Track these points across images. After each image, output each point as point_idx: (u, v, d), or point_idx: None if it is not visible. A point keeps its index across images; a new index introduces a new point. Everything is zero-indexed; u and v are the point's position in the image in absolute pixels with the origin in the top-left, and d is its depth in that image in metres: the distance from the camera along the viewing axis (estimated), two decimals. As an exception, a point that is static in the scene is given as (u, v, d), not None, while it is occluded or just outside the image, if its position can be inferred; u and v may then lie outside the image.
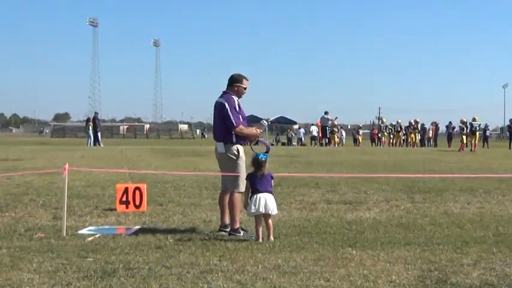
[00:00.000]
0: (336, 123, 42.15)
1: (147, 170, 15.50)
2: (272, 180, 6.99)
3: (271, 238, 6.79)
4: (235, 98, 7.23)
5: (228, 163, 7.23)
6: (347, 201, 10.32)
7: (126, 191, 9.16)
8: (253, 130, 7.31)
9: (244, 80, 7.30)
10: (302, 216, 8.66)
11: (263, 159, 6.87)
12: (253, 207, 6.74)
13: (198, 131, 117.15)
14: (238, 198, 7.19)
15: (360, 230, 7.60)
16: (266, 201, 6.76)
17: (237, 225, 7.16)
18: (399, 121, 42.89)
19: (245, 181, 7.06)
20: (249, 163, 7.03)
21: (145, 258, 5.79)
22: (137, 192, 9.17)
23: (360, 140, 45.27)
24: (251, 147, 7.32)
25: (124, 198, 9.13)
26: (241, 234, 7.06)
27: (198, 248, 6.33)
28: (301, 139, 47.48)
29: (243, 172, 7.18)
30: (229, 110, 7.10)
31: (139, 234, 7.12)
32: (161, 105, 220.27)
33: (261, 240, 6.71)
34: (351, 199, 10.55)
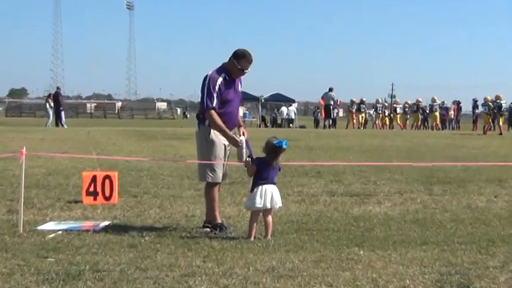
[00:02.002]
0: (338, 102, 42.22)
1: (118, 156, 15.47)
2: (278, 172, 7.00)
3: (269, 237, 6.81)
4: (222, 76, 7.12)
5: (200, 145, 7.25)
6: (353, 193, 10.36)
7: (93, 180, 9.15)
8: (227, 131, 7.11)
9: (243, 60, 7.12)
10: (301, 211, 8.68)
11: (284, 147, 6.83)
12: (258, 200, 6.71)
13: (179, 110, 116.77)
14: (211, 189, 7.21)
15: (368, 226, 7.63)
16: (273, 195, 6.78)
17: (216, 221, 7.20)
18: (420, 99, 43.00)
19: (218, 170, 7.10)
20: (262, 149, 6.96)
21: (117, 259, 5.79)
22: (107, 181, 9.15)
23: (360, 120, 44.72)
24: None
25: (91, 189, 9.12)
26: (218, 231, 7.06)
27: (178, 247, 6.33)
28: (290, 120, 47.54)
29: (216, 158, 7.15)
30: (206, 86, 7.02)
31: (110, 231, 7.12)
32: (135, 79, 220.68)
33: (252, 238, 6.73)
34: (358, 191, 10.59)
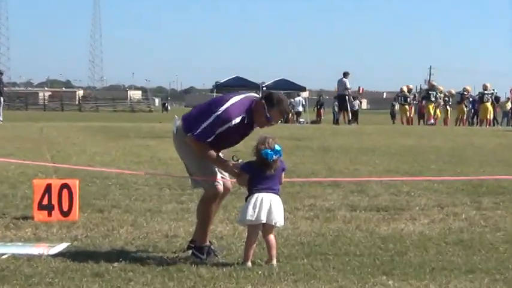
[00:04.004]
0: (361, 91, 42.02)
1: (79, 160, 15.45)
2: (283, 174, 6.96)
3: (274, 262, 6.79)
4: (241, 118, 6.98)
5: (184, 151, 7.25)
6: (380, 207, 10.37)
7: (48, 190, 9.13)
8: (221, 162, 7.10)
9: (276, 111, 7.02)
10: (313, 230, 8.68)
11: (273, 159, 6.74)
12: (250, 211, 6.68)
13: (157, 100, 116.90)
14: (209, 202, 7.21)
15: (399, 250, 7.64)
16: (271, 207, 6.73)
17: (204, 243, 7.20)
18: (468, 88, 42.40)
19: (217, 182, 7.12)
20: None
21: (78, 291, 5.79)
22: (65, 192, 9.14)
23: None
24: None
25: (45, 201, 9.10)
26: (204, 257, 7.06)
27: (156, 276, 6.33)
28: (300, 112, 47.50)
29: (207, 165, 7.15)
30: (212, 117, 6.93)
31: (68, 256, 7.10)
32: (101, 62, 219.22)
33: (250, 264, 6.72)
34: (386, 204, 10.60)
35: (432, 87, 42.01)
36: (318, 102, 51.26)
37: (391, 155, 18.40)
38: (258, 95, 7.36)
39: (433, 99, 40.67)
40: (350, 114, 37.81)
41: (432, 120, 40.24)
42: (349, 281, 6.23)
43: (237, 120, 6.97)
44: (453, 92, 43.81)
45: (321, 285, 6.09)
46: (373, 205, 10.50)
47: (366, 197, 11.16)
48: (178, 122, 7.28)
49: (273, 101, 7.02)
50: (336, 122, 38.22)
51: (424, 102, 41.74)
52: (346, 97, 37.44)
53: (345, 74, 37.46)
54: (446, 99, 42.35)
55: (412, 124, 41.05)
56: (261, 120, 7.10)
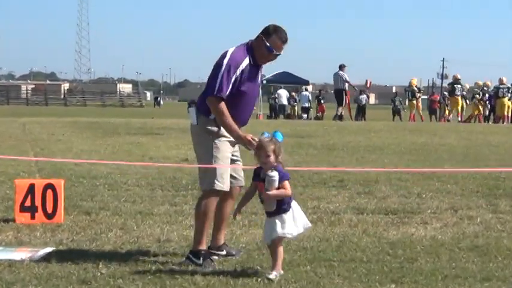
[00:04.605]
0: (368, 85, 41.89)
1: (65, 158, 15.45)
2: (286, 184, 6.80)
3: (276, 272, 6.74)
4: (247, 59, 7.23)
5: (201, 142, 7.35)
6: (389, 209, 10.38)
7: (31, 190, 9.13)
8: (237, 129, 7.17)
9: (274, 37, 7.28)
10: (317, 234, 8.68)
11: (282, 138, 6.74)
12: (293, 225, 6.68)
13: (148, 94, 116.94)
14: (210, 202, 7.25)
15: (409, 256, 7.64)
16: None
17: (200, 246, 7.23)
18: (487, 83, 42.08)
19: (226, 175, 7.14)
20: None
21: (63, 300, 5.79)
22: (49, 192, 9.14)
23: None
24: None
25: (28, 203, 9.10)
26: (200, 262, 7.09)
27: (147, 284, 6.34)
28: (307, 108, 47.48)
29: (222, 159, 7.23)
30: (223, 67, 7.16)
31: (53, 261, 7.10)
32: (88, 53, 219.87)
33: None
34: (395, 206, 10.60)
35: (457, 81, 41.43)
36: (318, 97, 51.25)
37: (401, 154, 18.42)
38: (249, 44, 7.42)
39: (458, 93, 40.36)
40: (341, 110, 37.55)
41: (459, 117, 40.12)
42: (356, 290, 6.23)
43: (246, 61, 7.25)
44: (480, 83, 42.88)
45: (325, 293, 6.09)
46: (382, 208, 10.50)
47: (374, 199, 11.17)
48: (191, 112, 7.39)
49: (269, 30, 7.29)
50: (338, 117, 38.00)
51: (448, 97, 41.43)
52: (344, 92, 37.20)
53: (341, 67, 37.05)
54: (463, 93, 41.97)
55: (414, 121, 40.69)
56: (263, 54, 7.34)
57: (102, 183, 12.24)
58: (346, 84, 36.79)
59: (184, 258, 7.26)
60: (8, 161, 14.06)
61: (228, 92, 7.15)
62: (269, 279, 6.48)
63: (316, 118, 44.45)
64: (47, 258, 7.27)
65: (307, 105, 48.29)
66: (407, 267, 7.12)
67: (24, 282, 6.34)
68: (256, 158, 6.74)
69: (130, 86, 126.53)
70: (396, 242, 8.32)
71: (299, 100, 49.90)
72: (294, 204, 6.77)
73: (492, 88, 41.07)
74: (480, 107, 41.48)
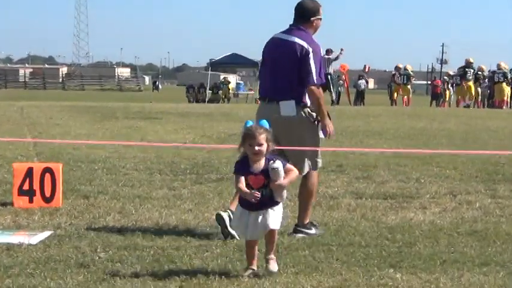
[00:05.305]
0: (367, 70, 41.64)
1: (63, 140, 15.44)
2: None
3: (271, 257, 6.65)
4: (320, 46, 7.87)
5: (307, 128, 7.90)
6: (388, 194, 10.38)
7: (29, 174, 9.12)
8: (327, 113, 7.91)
9: (321, 10, 7.95)
10: (315, 219, 8.68)
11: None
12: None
13: (147, 78, 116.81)
14: (316, 181, 8.21)
15: (408, 240, 7.65)
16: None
17: (308, 219, 7.97)
18: (482, 67, 41.80)
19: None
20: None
21: (61, 283, 5.79)
22: (47, 176, 9.13)
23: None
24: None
25: (26, 186, 9.09)
26: (313, 231, 7.83)
27: (145, 268, 6.34)
28: None
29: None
30: (313, 59, 7.66)
31: (51, 245, 7.12)
32: (87, 36, 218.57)
33: (255, 267, 6.39)
34: (394, 191, 10.61)
35: (470, 64, 40.67)
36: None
37: (400, 139, 18.43)
38: (306, 30, 7.90)
39: (470, 77, 39.78)
40: (334, 95, 37.49)
41: (469, 102, 39.71)
42: (354, 274, 6.24)
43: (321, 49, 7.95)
44: (484, 67, 42.39)
45: (323, 278, 6.10)
46: (380, 192, 10.50)
47: (373, 184, 11.17)
48: (285, 105, 7.74)
49: (315, 10, 7.90)
50: (335, 102, 37.96)
51: (461, 81, 40.59)
52: (329, 76, 36.98)
53: (328, 51, 36.87)
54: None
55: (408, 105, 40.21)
56: (317, 30, 7.98)
57: (101, 167, 12.24)
58: (330, 68, 36.49)
59: (294, 234, 7.70)
60: (6, 145, 14.06)
61: (321, 82, 7.83)
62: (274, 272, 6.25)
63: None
64: (45, 242, 7.27)
65: None
66: (405, 252, 7.12)
67: (23, 265, 6.34)
68: (244, 149, 6.31)
69: (128, 70, 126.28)
70: (395, 227, 8.33)
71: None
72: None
73: (487, 73, 40.85)
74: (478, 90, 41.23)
